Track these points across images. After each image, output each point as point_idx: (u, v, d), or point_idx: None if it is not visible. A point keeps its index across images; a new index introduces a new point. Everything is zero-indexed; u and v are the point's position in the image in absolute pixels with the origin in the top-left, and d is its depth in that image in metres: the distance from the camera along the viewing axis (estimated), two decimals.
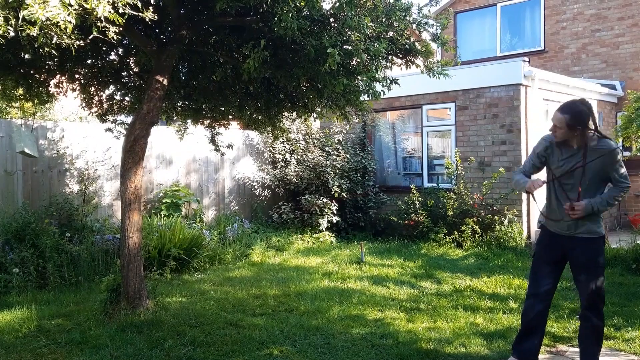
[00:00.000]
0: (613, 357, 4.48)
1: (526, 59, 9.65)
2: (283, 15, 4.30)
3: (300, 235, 10.33)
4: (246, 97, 6.73)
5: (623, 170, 3.77)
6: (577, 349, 4.12)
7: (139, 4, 3.59)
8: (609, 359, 4.42)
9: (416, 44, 5.59)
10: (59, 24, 3.18)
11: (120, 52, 6.60)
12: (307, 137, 11.29)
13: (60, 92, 6.98)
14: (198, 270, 7.87)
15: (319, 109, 6.80)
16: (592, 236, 3.81)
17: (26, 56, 5.71)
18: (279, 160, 11.19)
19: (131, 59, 6.72)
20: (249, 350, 4.66)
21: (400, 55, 5.77)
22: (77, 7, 3.24)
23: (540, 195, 4.17)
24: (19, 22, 3.24)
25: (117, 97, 7.36)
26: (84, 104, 7.36)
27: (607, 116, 11.98)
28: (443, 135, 10.85)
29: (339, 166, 10.61)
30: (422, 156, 10.84)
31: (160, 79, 5.49)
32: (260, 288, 6.91)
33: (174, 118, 8.18)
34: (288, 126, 10.52)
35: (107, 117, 7.53)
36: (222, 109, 7.19)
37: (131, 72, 6.97)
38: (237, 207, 11.04)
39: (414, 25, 5.49)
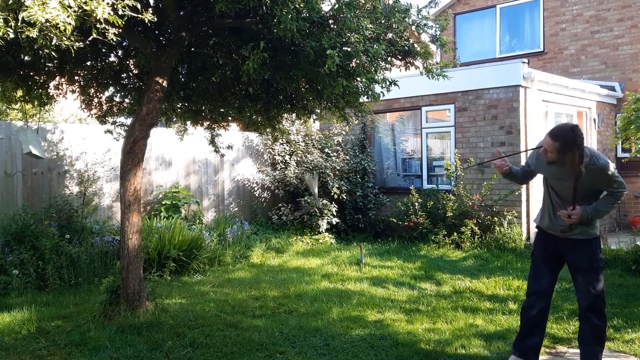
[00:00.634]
0: (613, 359, 4.48)
1: (525, 60, 9.66)
2: (282, 16, 4.31)
3: (299, 237, 10.33)
4: (246, 99, 6.73)
5: (618, 181, 3.78)
6: (577, 350, 4.13)
7: (139, 6, 3.59)
8: None
9: (415, 45, 5.60)
10: (58, 26, 3.18)
11: (119, 54, 6.60)
12: (307, 138, 11.30)
13: (60, 93, 6.98)
14: (198, 272, 7.87)
15: (319, 111, 6.80)
16: (587, 237, 3.85)
17: (26, 58, 5.71)
18: (279, 161, 11.19)
19: (131, 60, 6.72)
20: (248, 352, 4.66)
21: (400, 57, 5.77)
22: (76, 9, 3.24)
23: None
24: (19, 24, 3.25)
25: (117, 99, 7.36)
26: (83, 106, 7.36)
27: (607, 117, 11.99)
28: (442, 137, 10.86)
29: (338, 168, 10.62)
30: (422, 157, 10.85)
31: (160, 81, 5.50)
32: (260, 289, 6.91)
33: (174, 119, 8.19)
34: (287, 128, 10.53)
35: (106, 118, 7.53)
36: (222, 110, 7.19)
37: (131, 74, 6.97)
38: (236, 209, 11.04)
39: (413, 27, 5.50)
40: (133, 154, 5.53)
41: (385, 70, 5.75)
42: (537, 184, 8.80)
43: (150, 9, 3.76)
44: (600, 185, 3.80)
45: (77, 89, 6.97)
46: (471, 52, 14.31)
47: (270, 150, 11.31)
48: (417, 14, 5.43)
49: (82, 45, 3.86)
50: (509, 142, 9.49)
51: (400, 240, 10.12)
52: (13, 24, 3.27)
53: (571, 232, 3.87)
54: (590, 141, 11.33)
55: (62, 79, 6.67)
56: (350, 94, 5.62)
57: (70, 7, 3.19)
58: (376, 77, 5.15)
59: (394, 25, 5.19)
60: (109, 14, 3.34)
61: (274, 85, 6.31)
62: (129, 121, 7.51)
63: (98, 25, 3.44)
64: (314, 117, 7.12)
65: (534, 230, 9.15)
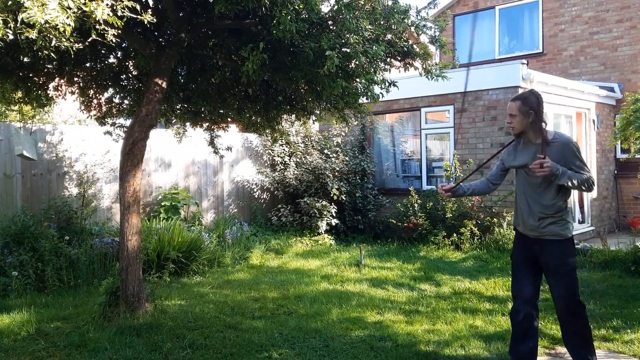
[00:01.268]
0: (612, 359, 4.48)
1: (524, 61, 9.66)
2: (282, 18, 4.31)
3: (299, 238, 10.33)
4: (245, 100, 6.73)
5: (583, 162, 3.75)
6: None
7: (138, 7, 3.60)
8: None
9: (414, 46, 5.60)
10: (57, 27, 3.19)
11: (119, 55, 6.60)
12: (306, 139, 11.30)
13: (59, 95, 6.98)
14: (197, 273, 7.86)
15: (318, 112, 6.80)
16: (558, 238, 3.78)
17: (25, 59, 5.71)
18: (278, 162, 11.19)
19: (130, 61, 6.72)
20: (247, 353, 4.66)
21: (399, 58, 5.78)
22: (76, 10, 3.24)
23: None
24: (18, 25, 3.24)
25: (116, 100, 7.36)
26: (82, 107, 7.36)
27: (606, 118, 12.00)
28: (442, 138, 10.86)
29: (337, 169, 10.62)
30: (421, 158, 10.85)
31: (159, 82, 5.50)
32: (259, 291, 6.91)
33: (173, 121, 8.19)
34: (287, 129, 10.53)
35: (106, 120, 7.53)
36: (221, 111, 7.20)
37: (130, 75, 6.98)
38: (236, 210, 11.04)
39: (413, 28, 5.50)
40: (132, 155, 5.53)
41: (385, 71, 5.76)
42: None
43: (149, 10, 3.77)
44: (567, 162, 3.70)
45: (77, 90, 6.97)
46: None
47: (270, 151, 11.31)
48: (416, 15, 5.44)
49: (81, 47, 3.87)
50: (508, 143, 9.48)
51: (399, 241, 10.12)
52: (12, 25, 3.27)
53: (543, 230, 3.79)
54: (590, 142, 11.34)
55: (62, 80, 6.67)
56: (349, 95, 5.62)
57: (69, 8, 3.19)
58: (375, 78, 5.15)
59: (393, 26, 5.19)
60: (108, 15, 3.34)
61: (273, 86, 6.32)
62: (128, 122, 7.51)
63: (97, 27, 3.45)
64: (314, 118, 7.12)
65: None
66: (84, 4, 3.27)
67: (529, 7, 13.67)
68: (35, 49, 3.73)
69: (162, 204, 9.36)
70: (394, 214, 10.48)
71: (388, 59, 5.72)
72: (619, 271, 7.43)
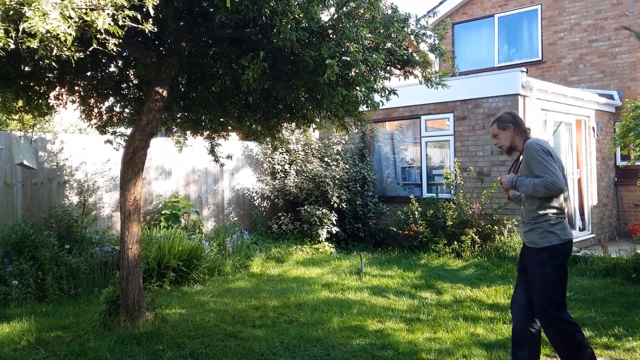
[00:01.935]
0: None
1: (524, 69, 9.69)
2: (282, 26, 4.33)
3: (299, 246, 10.32)
4: (245, 108, 6.75)
5: (542, 163, 3.67)
6: None
7: (139, 16, 3.61)
8: None
9: (414, 54, 5.62)
10: (59, 36, 3.20)
11: (119, 64, 6.63)
12: (306, 147, 11.31)
13: (60, 104, 7.00)
14: (197, 282, 7.85)
15: (318, 120, 6.82)
16: (534, 247, 3.80)
17: (26, 68, 5.74)
18: (278, 171, 11.19)
19: (131, 70, 6.75)
20: None
21: (399, 66, 5.80)
22: (77, 20, 3.26)
23: None
24: (19, 35, 3.26)
25: (117, 109, 7.38)
26: (83, 116, 7.37)
27: (605, 126, 12.01)
28: (442, 146, 10.87)
29: (338, 177, 10.63)
30: (421, 166, 10.86)
31: (160, 91, 5.52)
32: (260, 299, 6.89)
33: (174, 129, 8.21)
34: (287, 137, 10.54)
35: (106, 128, 7.55)
36: (222, 120, 7.21)
37: (131, 84, 7.00)
38: (236, 218, 11.04)
39: (412, 36, 5.53)
40: (133, 163, 5.54)
41: (385, 79, 5.78)
42: None
43: (150, 20, 3.78)
44: (531, 165, 3.74)
45: (77, 99, 6.99)
46: (470, 62, 14.35)
47: (270, 159, 11.32)
48: (416, 24, 5.46)
49: (82, 56, 3.88)
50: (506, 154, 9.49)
51: (400, 249, 10.11)
52: (14, 35, 3.29)
53: (525, 237, 3.90)
54: (589, 149, 11.35)
55: (62, 89, 6.70)
56: (349, 103, 5.63)
57: (71, 17, 3.21)
58: (375, 86, 5.17)
59: (392, 35, 5.22)
60: (110, 24, 3.36)
61: (273, 94, 6.33)
62: (128, 131, 7.53)
63: (98, 36, 3.46)
64: (314, 126, 7.14)
65: None
66: (85, 13, 3.29)
67: (528, 15, 13.72)
68: (36, 58, 3.74)
69: (163, 212, 9.36)
70: (394, 221, 10.48)
71: (388, 67, 5.75)
72: (620, 278, 7.42)
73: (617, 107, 12.11)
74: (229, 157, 8.32)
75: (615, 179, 12.13)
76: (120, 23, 3.48)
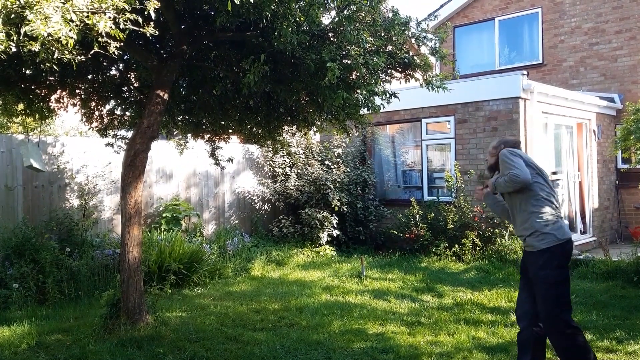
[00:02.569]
0: None
1: (525, 72, 9.69)
2: (283, 30, 4.34)
3: (300, 249, 10.31)
4: (246, 111, 6.75)
5: (507, 162, 3.85)
6: None
7: (140, 20, 3.62)
8: None
9: (415, 57, 5.63)
10: (60, 40, 3.20)
11: (120, 67, 6.64)
12: (307, 150, 11.31)
13: (61, 107, 7.01)
14: (198, 285, 7.84)
15: (319, 123, 6.82)
16: (533, 250, 3.83)
17: (27, 71, 5.74)
18: (279, 174, 11.19)
19: (132, 73, 6.76)
20: None
21: (400, 69, 5.80)
22: (78, 23, 3.26)
23: None
24: (21, 38, 3.26)
25: (118, 112, 7.38)
26: (84, 119, 7.38)
27: (606, 129, 12.01)
28: (443, 149, 10.87)
29: (339, 180, 10.62)
30: (422, 169, 10.85)
31: (161, 94, 5.52)
32: (261, 302, 6.88)
33: (174, 132, 8.21)
34: (288, 140, 10.54)
35: (107, 131, 7.56)
36: (222, 123, 7.21)
37: (132, 87, 7.01)
38: (237, 221, 11.03)
39: (413, 40, 5.54)
40: (134, 166, 5.54)
41: (385, 82, 5.78)
42: None
43: (151, 23, 3.78)
44: (502, 171, 3.92)
45: (78, 102, 7.00)
46: (470, 65, 14.35)
47: (271, 162, 11.32)
48: (417, 27, 5.47)
49: (83, 59, 3.88)
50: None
51: (401, 252, 10.10)
52: (15, 38, 3.29)
53: (524, 242, 3.94)
54: (590, 152, 11.35)
55: (64, 92, 6.70)
56: (350, 106, 5.64)
57: (72, 21, 3.21)
58: (376, 89, 5.17)
59: (393, 38, 5.22)
60: (111, 27, 3.36)
61: (274, 97, 6.34)
62: (129, 134, 7.53)
63: (100, 39, 3.46)
64: (314, 129, 7.14)
65: None
66: (87, 17, 3.29)
67: (529, 18, 13.73)
68: (37, 61, 3.74)
69: (163, 215, 9.36)
70: (395, 224, 10.47)
71: (389, 70, 5.76)
72: (622, 282, 7.40)
73: (618, 110, 12.11)
74: (230, 160, 8.32)
75: (617, 182, 12.12)
76: (122, 26, 3.48)
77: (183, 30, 5.58)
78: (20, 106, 6.65)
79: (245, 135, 7.73)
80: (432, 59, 5.92)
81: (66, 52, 3.43)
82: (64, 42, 3.21)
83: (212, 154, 7.98)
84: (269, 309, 6.54)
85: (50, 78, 6.09)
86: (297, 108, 6.52)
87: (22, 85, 6.07)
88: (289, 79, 5.42)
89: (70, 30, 3.19)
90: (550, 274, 3.72)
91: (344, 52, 4.83)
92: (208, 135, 7.79)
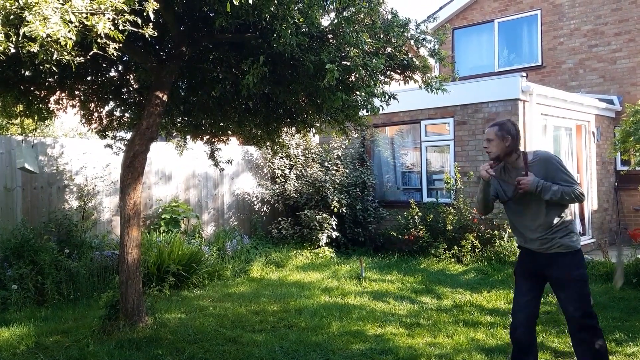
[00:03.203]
0: None
1: (524, 74, 9.70)
2: (282, 31, 4.34)
3: (299, 251, 10.31)
4: (245, 113, 6.76)
5: (568, 175, 3.75)
6: None
7: (139, 21, 3.62)
8: None
9: (414, 59, 5.63)
10: (59, 41, 3.20)
11: (120, 69, 6.64)
12: (306, 152, 11.31)
13: (60, 108, 7.00)
14: (197, 286, 7.83)
15: (318, 124, 6.82)
16: (565, 250, 3.75)
17: (26, 73, 5.74)
18: (278, 175, 11.19)
19: (131, 75, 6.75)
20: None
21: (399, 71, 5.80)
22: (77, 24, 3.26)
23: None
24: (20, 39, 3.26)
25: (117, 113, 7.38)
26: (83, 120, 7.38)
27: (605, 131, 12.02)
28: (442, 150, 10.88)
29: (338, 181, 10.62)
30: (421, 171, 10.86)
31: (160, 95, 5.52)
32: (260, 304, 6.88)
33: (174, 134, 8.21)
34: (287, 141, 10.54)
35: (106, 133, 7.55)
36: (222, 124, 7.21)
37: (131, 88, 7.00)
38: (236, 223, 11.03)
39: (412, 41, 5.54)
40: (133, 168, 5.54)
41: (385, 84, 5.78)
42: None
43: (150, 24, 3.78)
44: (553, 178, 3.74)
45: (78, 104, 7.00)
46: (470, 67, 14.37)
47: (270, 164, 11.32)
48: (416, 29, 5.48)
49: (82, 60, 3.88)
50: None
51: (400, 253, 10.10)
52: (14, 39, 3.29)
53: (549, 245, 3.77)
54: (589, 154, 11.36)
55: (63, 94, 6.70)
56: (349, 107, 5.64)
57: (71, 22, 3.21)
58: (375, 91, 5.18)
59: (392, 40, 5.22)
60: (110, 29, 3.36)
61: (273, 99, 6.34)
62: (129, 135, 7.53)
63: (99, 40, 3.46)
64: (314, 130, 7.14)
65: None
66: (86, 18, 3.29)
67: (528, 20, 13.75)
68: (36, 62, 3.74)
69: (163, 216, 9.35)
70: (394, 226, 10.47)
71: (388, 72, 5.76)
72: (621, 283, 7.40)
73: (617, 112, 12.12)
74: (229, 161, 8.32)
75: (616, 184, 12.12)
76: (121, 27, 3.48)
77: (182, 31, 5.59)
78: (20, 107, 6.65)
79: (244, 137, 7.73)
80: (431, 61, 5.92)
81: (65, 53, 3.43)
82: (63, 43, 3.21)
83: (212, 156, 7.98)
84: (267, 311, 6.54)
85: (50, 79, 6.09)
86: (297, 109, 6.52)
87: (21, 87, 6.07)
88: (288, 81, 5.42)
89: (69, 32, 3.19)
90: (583, 272, 3.75)
91: (343, 54, 4.83)
92: (207, 137, 7.79)
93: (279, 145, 7.79)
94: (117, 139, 7.73)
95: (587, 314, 3.70)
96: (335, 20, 4.82)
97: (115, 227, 8.95)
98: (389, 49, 5.37)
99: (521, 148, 3.96)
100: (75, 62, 3.61)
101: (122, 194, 5.57)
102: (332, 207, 10.38)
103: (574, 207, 10.81)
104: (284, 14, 4.39)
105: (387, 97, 5.55)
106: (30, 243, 7.15)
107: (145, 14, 3.57)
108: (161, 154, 9.69)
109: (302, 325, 5.90)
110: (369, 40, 4.87)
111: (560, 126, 10.77)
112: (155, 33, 3.89)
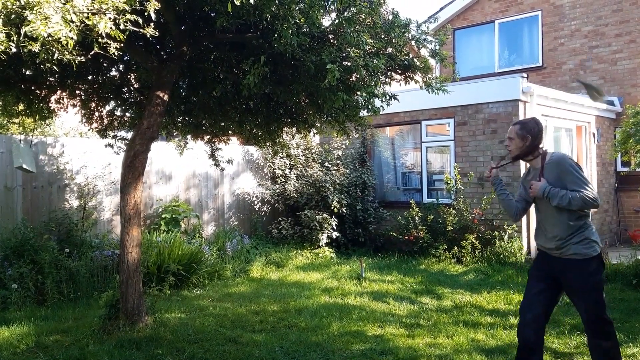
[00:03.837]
0: None
1: (524, 75, 9.70)
2: (283, 31, 4.34)
3: (299, 251, 10.31)
4: (246, 113, 6.76)
5: (581, 179, 3.68)
6: None
7: (140, 21, 3.62)
8: None
9: (415, 60, 5.63)
10: (60, 40, 3.20)
11: (121, 68, 6.64)
12: (307, 152, 11.32)
13: (61, 107, 7.00)
14: (197, 286, 7.83)
15: (319, 124, 6.82)
16: (580, 257, 3.71)
17: (27, 72, 5.74)
18: (279, 175, 11.20)
19: (132, 74, 6.76)
20: None
21: (399, 71, 5.80)
22: (78, 24, 3.26)
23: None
24: (21, 38, 3.26)
25: (118, 113, 7.38)
26: (84, 120, 7.38)
27: (606, 132, 12.03)
28: (442, 151, 10.88)
29: (338, 181, 10.62)
30: (422, 171, 10.86)
31: (161, 95, 5.52)
32: (260, 304, 6.88)
33: (174, 133, 8.21)
34: (288, 141, 10.55)
35: (107, 132, 7.56)
36: (222, 124, 7.22)
37: (132, 88, 7.00)
38: (236, 223, 11.03)
39: (413, 42, 5.54)
40: (133, 167, 5.54)
41: (385, 84, 5.78)
42: None
43: (151, 24, 3.78)
44: (563, 180, 3.71)
45: (78, 103, 7.00)
46: (470, 67, 14.37)
47: (270, 164, 11.32)
48: (417, 29, 5.47)
49: (83, 60, 3.88)
50: (508, 156, 9.48)
51: (400, 254, 10.10)
52: (15, 38, 3.29)
53: (565, 250, 3.74)
54: (590, 155, 11.36)
55: (63, 93, 6.70)
56: (350, 108, 5.64)
57: (72, 21, 3.21)
58: (376, 91, 5.17)
59: (393, 40, 5.22)
60: (111, 28, 3.36)
61: (274, 99, 6.34)
62: (129, 135, 7.52)
63: (100, 40, 3.46)
64: (314, 130, 7.15)
65: (534, 244, 9.12)
66: (87, 17, 3.30)
67: (529, 21, 13.75)
68: (37, 62, 3.74)
69: (163, 216, 9.36)
70: (394, 226, 10.47)
71: (389, 73, 5.75)
72: (621, 284, 7.40)
73: (618, 113, 12.12)
74: (230, 161, 8.32)
75: (616, 185, 12.12)
76: (122, 27, 3.48)
77: (183, 31, 5.59)
78: (20, 107, 6.65)
79: (245, 137, 7.73)
80: (432, 61, 5.92)
81: (66, 52, 3.43)
82: (64, 42, 3.21)
83: (212, 155, 7.98)
84: (267, 311, 6.53)
85: (50, 79, 6.09)
86: (297, 110, 6.52)
87: (22, 86, 6.07)
88: (289, 81, 5.42)
89: (70, 31, 3.19)
90: (598, 280, 3.71)
91: (344, 54, 4.83)
92: (208, 137, 7.79)
93: (279, 145, 7.79)
94: (117, 138, 7.73)
95: (602, 320, 3.68)
96: (336, 21, 4.82)
97: (116, 226, 8.95)
98: (389, 50, 5.37)
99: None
100: (76, 62, 3.61)
101: (123, 194, 5.57)
102: (332, 208, 10.38)
103: None
104: (285, 14, 4.39)
105: (387, 97, 5.55)
106: (30, 242, 7.15)
107: (146, 13, 3.57)
108: (162, 153, 9.69)
109: (302, 325, 5.90)
110: (370, 40, 4.87)
111: (561, 127, 10.77)
112: (157, 33, 3.89)
